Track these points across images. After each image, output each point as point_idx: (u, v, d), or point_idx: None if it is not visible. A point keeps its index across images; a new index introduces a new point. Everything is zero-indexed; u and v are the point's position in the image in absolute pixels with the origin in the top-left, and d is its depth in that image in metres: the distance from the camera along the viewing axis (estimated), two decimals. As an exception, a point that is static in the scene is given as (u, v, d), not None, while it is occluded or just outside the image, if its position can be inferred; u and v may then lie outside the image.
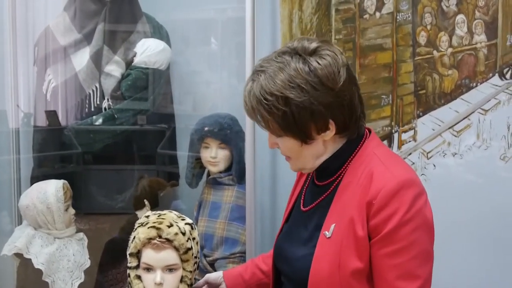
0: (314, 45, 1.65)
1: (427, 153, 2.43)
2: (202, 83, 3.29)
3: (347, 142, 1.72)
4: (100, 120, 3.02)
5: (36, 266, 2.64)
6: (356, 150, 1.72)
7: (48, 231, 2.72)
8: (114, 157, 3.13)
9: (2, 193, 3.35)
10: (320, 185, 1.77)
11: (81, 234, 2.84)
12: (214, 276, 2.09)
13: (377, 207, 1.57)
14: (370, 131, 1.76)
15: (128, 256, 1.93)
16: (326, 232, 1.65)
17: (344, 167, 1.71)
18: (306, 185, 1.86)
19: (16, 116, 3.35)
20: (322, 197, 1.74)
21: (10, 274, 2.86)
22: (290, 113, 1.61)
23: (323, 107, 1.61)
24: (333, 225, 1.64)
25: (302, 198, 1.84)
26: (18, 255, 2.70)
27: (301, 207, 1.81)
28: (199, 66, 3.29)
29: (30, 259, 2.66)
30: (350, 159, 1.71)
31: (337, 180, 1.72)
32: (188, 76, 3.37)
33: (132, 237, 1.92)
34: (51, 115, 3.13)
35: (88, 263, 2.79)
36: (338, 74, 1.62)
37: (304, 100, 1.60)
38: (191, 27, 3.37)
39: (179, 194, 3.26)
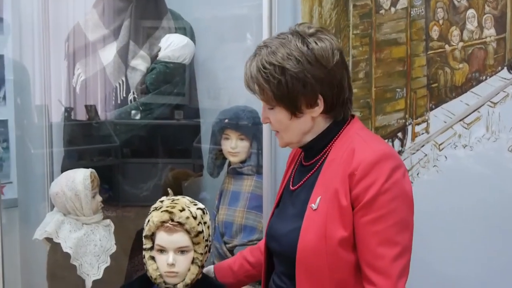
0: (313, 30, 1.81)
1: (439, 145, 2.48)
2: (237, 78, 3.37)
3: (332, 123, 1.84)
4: (138, 115, 3.14)
5: (65, 250, 2.78)
6: (341, 131, 1.85)
7: (76, 217, 2.86)
8: (142, 150, 3.25)
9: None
10: (307, 165, 1.90)
11: (108, 221, 2.96)
12: (205, 270, 2.21)
13: (358, 177, 1.70)
14: (353, 116, 1.89)
15: (143, 238, 2.04)
16: (313, 205, 1.77)
17: (329, 146, 1.84)
18: (295, 168, 1.98)
19: (50, 110, 3.50)
20: (309, 175, 1.86)
21: (43, 258, 3.00)
22: (284, 82, 1.75)
23: (314, 81, 1.75)
24: (319, 197, 1.76)
25: (292, 179, 1.95)
26: (49, 240, 2.84)
27: (290, 187, 1.93)
28: (234, 62, 3.35)
29: (59, 243, 2.79)
30: (334, 139, 1.84)
31: (322, 158, 1.84)
32: (223, 71, 3.45)
33: (147, 220, 2.03)
34: (91, 109, 3.27)
35: (114, 248, 2.92)
36: (332, 54, 1.77)
37: (299, 71, 1.74)
38: (226, 24, 3.44)
39: (203, 184, 3.37)
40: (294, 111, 1.79)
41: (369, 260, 1.69)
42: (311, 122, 1.83)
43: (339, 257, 1.72)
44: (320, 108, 1.80)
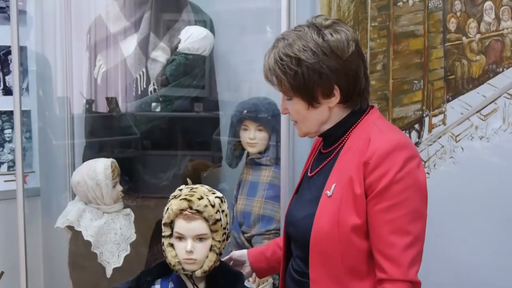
0: (329, 22, 1.85)
1: (456, 136, 2.49)
2: (257, 71, 3.39)
3: (350, 113, 1.88)
4: (159, 108, 3.18)
5: (86, 238, 2.84)
6: (359, 121, 1.88)
7: (97, 206, 2.92)
8: (162, 142, 3.29)
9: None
10: (325, 152, 1.94)
11: (128, 210, 3.03)
12: (239, 253, 2.28)
13: (372, 166, 1.73)
14: (372, 107, 1.92)
15: (162, 225, 2.08)
16: (328, 192, 1.80)
17: (346, 134, 1.87)
18: (315, 156, 2.02)
19: (72, 102, 3.55)
20: (326, 162, 1.91)
21: (64, 246, 3.07)
22: (301, 73, 1.79)
23: (330, 71, 1.79)
24: (334, 184, 1.80)
25: (310, 166, 2.00)
26: (70, 228, 2.90)
27: (308, 174, 1.98)
28: (254, 55, 3.36)
29: (80, 232, 2.85)
30: (352, 128, 1.87)
31: (340, 146, 1.88)
32: (243, 64, 3.48)
33: (166, 208, 2.07)
34: (112, 101, 3.32)
35: (134, 237, 2.98)
36: (347, 45, 1.81)
37: (314, 62, 1.78)
38: (246, 17, 3.47)
39: (222, 175, 3.41)
40: (311, 101, 1.83)
41: (381, 248, 1.72)
42: (328, 112, 1.86)
43: (351, 244, 1.75)
44: (336, 98, 1.83)
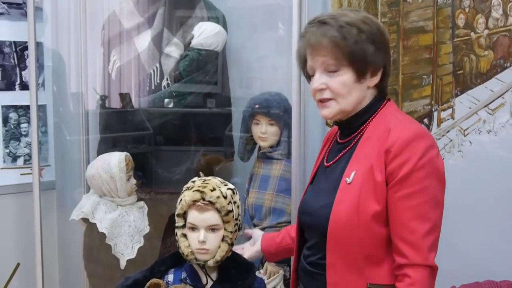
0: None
1: (464, 130, 2.52)
2: (269, 67, 3.43)
3: (372, 100, 1.92)
4: (172, 104, 3.22)
5: (100, 230, 2.88)
6: (378, 111, 1.91)
7: (111, 199, 2.96)
8: (175, 138, 3.32)
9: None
10: (343, 142, 1.97)
11: (142, 203, 3.07)
12: (257, 233, 2.42)
13: (394, 154, 1.76)
14: (389, 99, 1.97)
15: (175, 216, 2.12)
16: (347, 179, 1.84)
17: (366, 124, 1.91)
18: (330, 146, 2.05)
19: (86, 97, 3.60)
20: (345, 151, 1.94)
21: (79, 238, 3.12)
22: (360, 42, 1.83)
23: (382, 50, 1.87)
24: (354, 172, 1.83)
25: (326, 157, 2.03)
26: (85, 220, 2.95)
27: (325, 163, 2.00)
28: (266, 51, 3.41)
29: (95, 224, 2.90)
30: (371, 118, 1.91)
31: (359, 136, 1.91)
32: (255, 61, 3.50)
33: (179, 199, 2.11)
34: (126, 97, 3.37)
35: (147, 229, 3.02)
36: (384, 29, 1.91)
37: (374, 35, 1.85)
38: (258, 13, 3.49)
39: (234, 169, 3.45)
40: (361, 75, 1.86)
41: (402, 234, 1.76)
42: (366, 91, 1.90)
43: (371, 231, 1.79)
44: (377, 78, 1.89)
